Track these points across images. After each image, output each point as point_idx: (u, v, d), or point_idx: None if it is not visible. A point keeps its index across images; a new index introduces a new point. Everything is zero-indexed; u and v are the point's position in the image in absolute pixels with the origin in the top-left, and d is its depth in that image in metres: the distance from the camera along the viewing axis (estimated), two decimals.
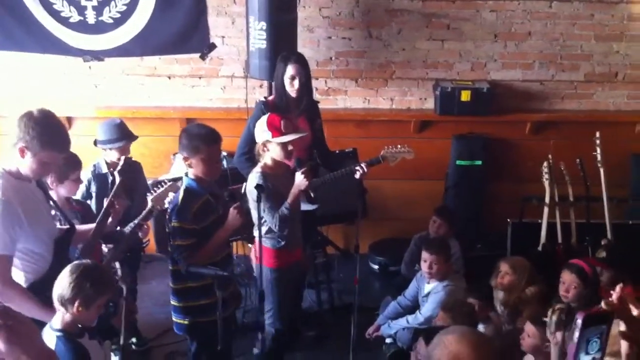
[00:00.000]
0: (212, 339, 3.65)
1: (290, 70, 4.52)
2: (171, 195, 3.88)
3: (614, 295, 1.75)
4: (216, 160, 3.74)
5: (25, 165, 3.14)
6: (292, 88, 4.53)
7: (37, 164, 3.13)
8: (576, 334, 1.59)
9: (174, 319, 3.87)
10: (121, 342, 3.20)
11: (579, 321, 1.59)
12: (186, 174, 3.75)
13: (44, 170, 3.24)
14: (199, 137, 3.64)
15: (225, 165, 5.41)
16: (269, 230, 4.09)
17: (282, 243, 4.14)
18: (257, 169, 4.03)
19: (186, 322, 3.80)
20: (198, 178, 3.66)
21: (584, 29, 6.02)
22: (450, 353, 1.76)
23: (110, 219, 3.64)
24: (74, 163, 4.05)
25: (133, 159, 4.29)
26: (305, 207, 4.50)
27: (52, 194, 3.89)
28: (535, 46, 6.06)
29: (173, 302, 3.83)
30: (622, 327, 1.69)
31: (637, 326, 1.72)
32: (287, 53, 4.71)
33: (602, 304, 1.69)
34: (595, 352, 1.62)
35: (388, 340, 4.96)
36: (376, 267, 6.10)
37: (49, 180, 3.88)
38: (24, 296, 3.10)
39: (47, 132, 3.10)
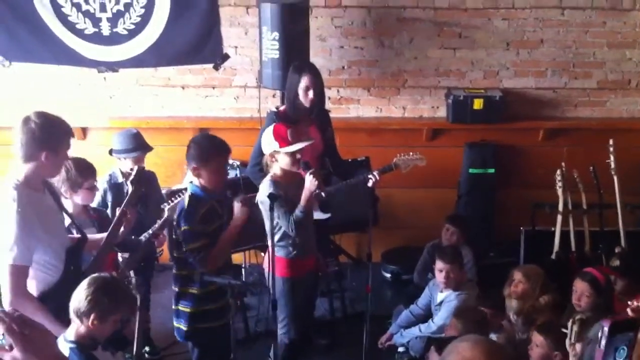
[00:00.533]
0: (213, 345, 3.67)
1: (304, 81, 4.54)
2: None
3: (638, 302, 1.75)
4: (224, 171, 3.78)
5: (45, 169, 3.18)
6: (306, 98, 4.55)
7: (60, 160, 3.24)
8: (603, 342, 1.59)
9: (174, 324, 3.89)
10: (134, 351, 3.21)
11: (606, 329, 1.59)
12: (191, 182, 3.78)
13: (62, 166, 3.35)
14: (211, 147, 3.68)
15: (238, 174, 5.45)
16: (282, 238, 4.11)
17: (294, 252, 4.16)
18: (268, 178, 4.06)
19: (188, 329, 3.82)
20: (203, 186, 3.70)
21: (597, 36, 6.00)
22: (463, 359, 1.76)
23: (122, 229, 3.67)
24: (88, 171, 4.08)
25: (147, 169, 4.32)
26: (318, 215, 4.52)
27: (68, 203, 3.94)
28: (548, 54, 6.05)
29: (174, 307, 3.86)
30: None
31: None
32: (299, 63, 4.73)
33: (629, 311, 1.69)
34: (623, 359, 1.61)
35: (400, 349, 4.95)
36: (388, 275, 6.09)
37: (62, 189, 3.92)
38: (37, 308, 3.11)
39: (58, 127, 3.20)
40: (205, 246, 3.64)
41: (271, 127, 4.08)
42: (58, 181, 3.86)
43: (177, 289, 3.84)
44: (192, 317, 3.79)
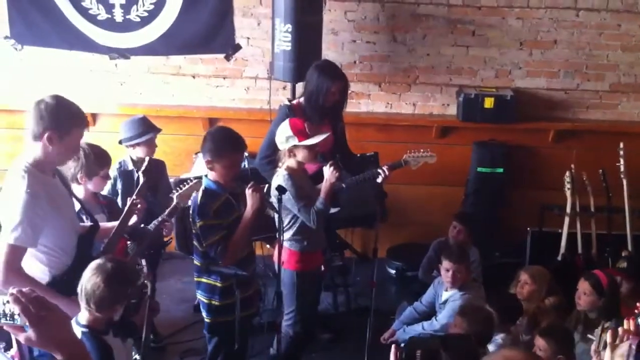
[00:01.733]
0: (231, 337, 3.67)
1: (336, 86, 4.50)
2: (193, 194, 3.91)
3: None
4: (237, 167, 3.77)
5: (51, 152, 3.15)
6: (332, 100, 4.54)
7: (65, 147, 3.17)
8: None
9: (202, 313, 3.90)
10: (143, 339, 3.22)
11: (634, 347, 1.58)
12: (206, 176, 3.77)
13: (73, 152, 3.29)
14: (226, 143, 3.67)
15: (246, 166, 5.44)
16: (297, 233, 4.11)
17: (306, 244, 4.16)
18: (283, 171, 4.04)
19: (209, 320, 3.83)
20: (216, 180, 3.69)
21: (611, 38, 5.97)
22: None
23: (133, 218, 3.66)
24: (104, 159, 4.10)
25: (156, 158, 4.31)
26: None
27: (78, 189, 3.95)
28: (561, 55, 6.02)
29: (202, 298, 3.86)
30: None
31: None
32: (328, 66, 4.68)
33: None
34: None
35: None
36: (393, 271, 6.08)
37: (78, 175, 3.93)
38: (30, 284, 3.01)
39: (67, 111, 3.16)
40: (223, 239, 3.64)
41: (286, 123, 4.05)
42: (75, 167, 3.88)
43: (201, 280, 3.83)
44: (216, 309, 3.80)
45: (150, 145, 4.64)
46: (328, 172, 4.04)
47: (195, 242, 3.77)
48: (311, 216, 4.03)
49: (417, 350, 1.59)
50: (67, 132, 3.15)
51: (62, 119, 3.14)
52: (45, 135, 3.10)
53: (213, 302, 3.80)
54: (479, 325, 3.86)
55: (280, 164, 4.12)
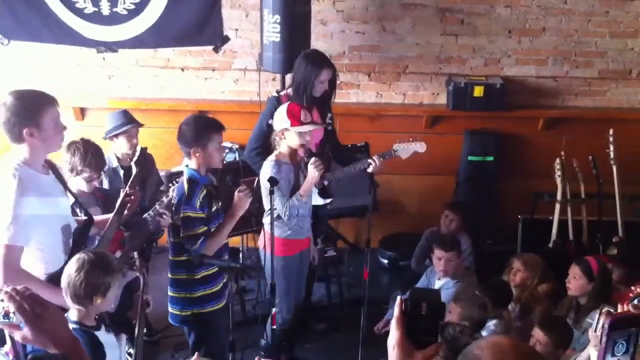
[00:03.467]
0: (211, 329, 3.67)
1: (325, 74, 4.49)
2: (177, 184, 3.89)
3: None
4: (222, 150, 3.80)
5: (38, 145, 3.11)
6: (321, 89, 4.53)
7: (48, 132, 3.12)
8: (604, 339, 1.59)
9: (169, 309, 3.89)
10: (136, 334, 3.20)
11: (606, 325, 1.59)
12: (187, 166, 3.76)
13: (59, 131, 3.20)
14: (208, 126, 3.68)
15: (237, 157, 5.44)
16: (278, 217, 4.12)
17: (289, 232, 4.20)
18: (272, 157, 4.07)
19: (185, 314, 3.82)
20: (198, 169, 3.69)
21: (599, 25, 5.98)
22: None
23: (126, 210, 3.65)
24: (100, 164, 4.18)
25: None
26: (318, 201, 4.51)
27: (74, 182, 3.94)
28: (550, 42, 6.03)
29: (170, 293, 3.86)
30: None
31: None
32: (315, 54, 4.67)
33: (630, 308, 1.69)
34: (621, 354, 1.62)
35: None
36: (386, 261, 6.10)
37: (79, 168, 3.97)
38: (31, 282, 2.99)
39: (30, 100, 3.11)
40: (204, 233, 3.64)
41: (285, 105, 4.10)
42: (70, 161, 3.88)
43: (171, 276, 3.84)
44: (186, 302, 3.80)
45: (130, 138, 4.63)
46: (311, 169, 4.06)
47: (169, 235, 3.77)
48: (284, 208, 4.06)
49: (422, 304, 1.61)
50: (41, 118, 3.10)
51: (29, 110, 3.08)
52: (24, 133, 3.07)
53: (188, 295, 3.79)
54: (474, 311, 3.88)
55: (276, 147, 4.13)
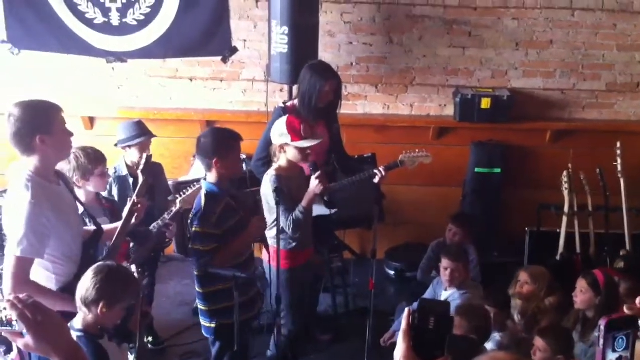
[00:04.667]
0: (233, 340, 3.68)
1: (330, 85, 4.50)
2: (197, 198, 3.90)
3: (638, 300, 1.74)
4: (241, 162, 3.81)
5: (49, 153, 3.13)
6: (326, 100, 4.54)
7: (58, 138, 3.15)
8: (601, 341, 1.59)
9: (201, 322, 3.90)
10: (137, 344, 3.22)
11: (602, 327, 1.59)
12: (204, 179, 3.76)
13: (67, 138, 3.22)
14: (228, 137, 3.70)
15: (244, 168, 5.45)
16: (282, 231, 4.11)
17: (294, 244, 4.19)
18: (272, 172, 4.06)
19: (213, 325, 3.83)
20: (218, 181, 3.68)
21: (606, 38, 5.99)
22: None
23: (134, 219, 3.67)
24: (97, 157, 4.08)
25: (153, 161, 4.31)
26: (323, 211, 4.52)
27: (80, 193, 3.95)
28: (557, 55, 6.04)
29: (200, 306, 3.87)
30: None
31: None
32: (320, 65, 4.69)
33: (625, 309, 1.68)
34: (622, 350, 1.61)
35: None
36: (392, 272, 6.09)
37: (74, 178, 3.93)
38: (41, 293, 3.04)
39: (38, 109, 3.13)
40: (212, 251, 3.64)
41: (284, 119, 4.07)
42: (69, 171, 3.87)
43: (200, 290, 3.83)
44: (216, 313, 3.80)
45: (143, 149, 4.65)
46: (313, 183, 4.05)
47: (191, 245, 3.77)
48: (288, 222, 4.04)
49: (430, 317, 1.61)
50: (51, 123, 3.13)
51: (40, 117, 3.11)
52: (37, 140, 3.08)
53: (211, 308, 3.80)
54: (479, 321, 3.87)
55: (275, 160, 4.12)
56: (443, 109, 6.18)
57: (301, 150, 4.02)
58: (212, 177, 3.69)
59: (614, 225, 5.36)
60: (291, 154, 4.05)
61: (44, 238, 3.09)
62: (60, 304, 3.02)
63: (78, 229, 3.39)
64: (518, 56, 6.04)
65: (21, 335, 1.73)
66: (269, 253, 4.23)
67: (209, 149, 3.66)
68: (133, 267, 3.71)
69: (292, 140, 3.98)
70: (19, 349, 3.40)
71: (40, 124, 3.10)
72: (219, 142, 3.66)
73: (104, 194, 4.43)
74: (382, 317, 5.10)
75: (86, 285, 2.90)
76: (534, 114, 6.16)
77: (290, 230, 4.07)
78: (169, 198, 4.02)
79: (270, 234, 4.11)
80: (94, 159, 4.04)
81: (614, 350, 1.61)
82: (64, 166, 3.88)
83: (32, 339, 1.71)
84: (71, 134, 3.25)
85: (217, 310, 3.79)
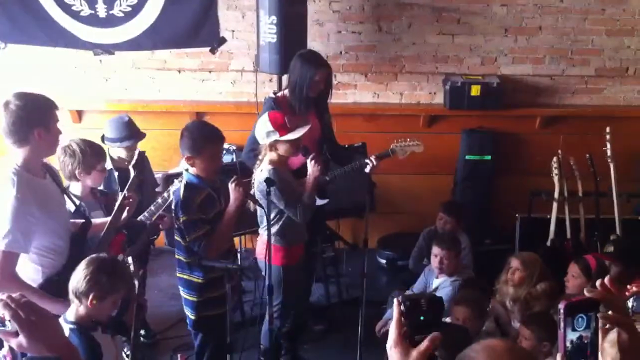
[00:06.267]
0: (216, 332, 3.67)
1: (320, 75, 4.46)
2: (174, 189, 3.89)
3: (598, 282, 1.74)
4: (219, 159, 3.76)
5: (41, 148, 3.14)
6: (317, 89, 4.51)
7: (52, 135, 3.16)
8: (561, 324, 1.57)
9: (186, 312, 3.89)
10: (131, 337, 3.21)
11: (562, 310, 1.57)
12: (186, 170, 3.75)
13: (58, 137, 3.24)
14: (203, 137, 3.64)
15: (234, 159, 5.44)
16: (280, 227, 4.10)
17: (290, 238, 4.17)
18: (268, 167, 4.00)
19: (193, 317, 3.82)
20: (198, 174, 3.66)
21: (595, 23, 5.99)
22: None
23: (125, 213, 3.65)
24: (101, 153, 4.10)
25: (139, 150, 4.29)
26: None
27: (76, 186, 3.93)
28: (546, 41, 6.04)
29: (185, 296, 3.85)
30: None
31: (623, 311, 1.70)
32: (310, 54, 4.64)
33: (585, 292, 1.67)
34: (582, 329, 1.58)
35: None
36: (384, 261, 6.10)
37: (76, 170, 3.92)
38: (26, 290, 2.98)
39: (39, 103, 3.13)
40: (207, 234, 3.62)
41: (266, 117, 4.01)
42: (72, 162, 3.86)
43: (182, 276, 3.81)
44: (198, 305, 3.78)
45: (131, 150, 4.64)
46: (310, 166, 4.04)
47: (177, 237, 3.74)
48: (298, 211, 4.03)
49: (420, 300, 1.61)
50: (50, 120, 3.15)
51: (42, 111, 3.13)
52: (34, 133, 3.08)
53: (194, 299, 3.78)
54: (478, 313, 3.90)
55: (260, 157, 4.10)
56: (433, 97, 6.18)
57: (293, 142, 4.00)
58: (193, 170, 3.68)
59: (604, 210, 5.38)
60: (283, 148, 4.01)
61: (30, 233, 3.09)
62: (40, 303, 3.00)
63: (65, 222, 3.37)
64: (507, 43, 6.04)
65: (15, 335, 1.72)
66: (260, 246, 4.21)
67: (184, 146, 3.65)
68: (129, 259, 3.71)
69: (282, 135, 3.96)
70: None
71: (40, 118, 3.11)
72: (193, 140, 3.62)
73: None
74: (375, 306, 5.10)
75: (77, 277, 2.90)
76: (524, 101, 6.17)
77: (301, 217, 4.05)
78: (158, 190, 3.99)
79: (272, 230, 4.08)
80: (98, 154, 4.06)
81: (574, 329, 1.58)
82: (62, 158, 3.90)
83: (26, 339, 1.70)
84: (61, 132, 3.27)
85: (197, 301, 3.77)
